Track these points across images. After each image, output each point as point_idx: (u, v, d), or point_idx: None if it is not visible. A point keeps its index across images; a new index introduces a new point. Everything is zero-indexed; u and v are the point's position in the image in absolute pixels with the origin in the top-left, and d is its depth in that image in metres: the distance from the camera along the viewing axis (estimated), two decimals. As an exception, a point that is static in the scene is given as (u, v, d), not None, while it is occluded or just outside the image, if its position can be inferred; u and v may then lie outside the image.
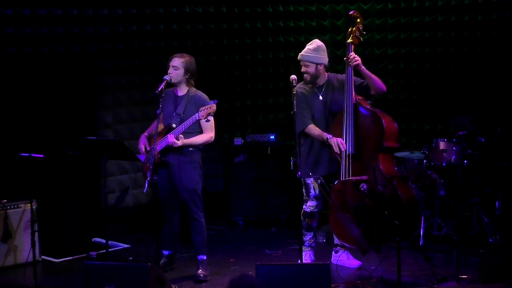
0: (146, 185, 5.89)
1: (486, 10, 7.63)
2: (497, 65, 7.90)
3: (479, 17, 7.70)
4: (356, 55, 6.10)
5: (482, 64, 7.99)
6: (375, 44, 8.29)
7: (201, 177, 6.26)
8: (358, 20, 6.21)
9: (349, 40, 6.18)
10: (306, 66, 6.20)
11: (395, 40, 8.23)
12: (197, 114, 5.95)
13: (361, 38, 6.21)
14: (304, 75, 6.24)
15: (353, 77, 6.13)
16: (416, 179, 7.19)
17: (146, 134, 6.33)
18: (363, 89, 6.20)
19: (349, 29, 6.22)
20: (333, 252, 6.53)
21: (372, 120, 6.10)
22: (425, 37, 8.09)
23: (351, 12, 6.28)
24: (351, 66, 6.09)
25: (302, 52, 6.24)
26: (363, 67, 6.11)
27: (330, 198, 6.02)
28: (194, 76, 6.24)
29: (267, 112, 9.13)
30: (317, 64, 6.18)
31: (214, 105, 5.93)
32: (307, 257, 6.34)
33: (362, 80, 6.21)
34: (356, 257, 6.42)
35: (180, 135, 6.01)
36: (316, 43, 6.25)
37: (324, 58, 6.22)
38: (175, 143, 5.99)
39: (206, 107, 5.93)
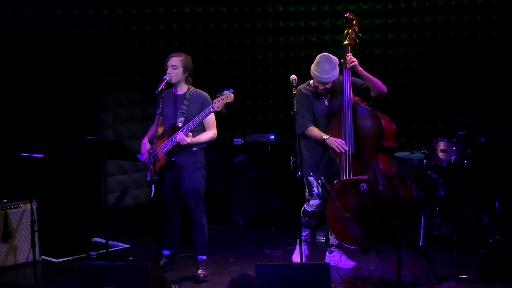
0: (153, 189, 5.85)
1: (486, 10, 7.64)
2: (497, 65, 7.90)
3: (479, 17, 7.70)
4: (352, 57, 6.08)
5: (482, 64, 7.99)
6: (375, 44, 8.29)
7: (204, 178, 6.24)
8: (354, 22, 6.21)
9: (346, 42, 6.18)
10: (327, 84, 6.10)
11: (395, 40, 8.23)
12: (211, 106, 5.89)
13: (357, 40, 6.21)
14: (321, 89, 6.13)
15: (351, 78, 6.11)
16: (416, 179, 7.18)
17: (147, 139, 6.25)
18: (363, 92, 6.17)
19: (345, 31, 6.22)
20: (327, 253, 6.51)
21: (372, 120, 6.09)
22: (425, 37, 8.09)
23: (347, 14, 6.28)
24: (348, 68, 6.08)
25: (324, 75, 6.01)
26: (360, 68, 6.10)
27: (331, 197, 6.01)
28: (192, 74, 6.24)
29: (267, 112, 9.13)
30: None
31: (231, 94, 5.84)
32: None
33: (362, 82, 6.19)
34: (350, 258, 6.41)
35: (189, 133, 5.98)
36: (331, 59, 6.05)
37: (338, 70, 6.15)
38: (184, 139, 5.93)
39: (221, 97, 5.84)
